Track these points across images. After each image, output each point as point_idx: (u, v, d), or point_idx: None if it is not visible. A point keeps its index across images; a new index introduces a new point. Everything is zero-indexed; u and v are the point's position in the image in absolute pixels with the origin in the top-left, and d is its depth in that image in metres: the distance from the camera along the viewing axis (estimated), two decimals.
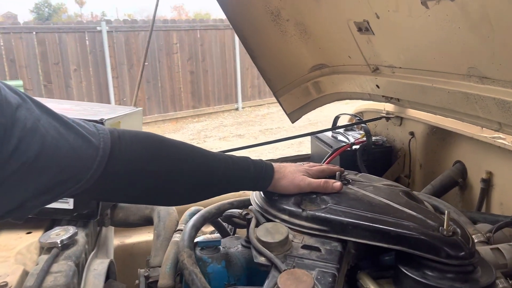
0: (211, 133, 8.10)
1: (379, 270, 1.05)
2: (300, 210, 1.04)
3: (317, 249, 0.97)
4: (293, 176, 1.08)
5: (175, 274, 1.12)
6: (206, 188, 1.02)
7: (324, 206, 1.05)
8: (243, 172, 1.03)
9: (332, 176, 1.17)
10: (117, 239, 1.72)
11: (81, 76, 8.14)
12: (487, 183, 1.45)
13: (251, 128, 8.39)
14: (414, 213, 0.99)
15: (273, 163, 1.10)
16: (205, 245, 1.10)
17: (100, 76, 8.27)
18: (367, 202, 1.05)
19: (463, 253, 0.87)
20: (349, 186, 1.18)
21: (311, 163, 1.22)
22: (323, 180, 1.09)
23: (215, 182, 1.02)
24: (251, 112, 9.66)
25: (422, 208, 1.02)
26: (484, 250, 1.09)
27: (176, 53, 8.98)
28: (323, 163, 1.77)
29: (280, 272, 0.90)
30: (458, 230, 0.93)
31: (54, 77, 7.90)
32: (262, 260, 0.94)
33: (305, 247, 0.97)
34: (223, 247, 1.12)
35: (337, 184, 1.09)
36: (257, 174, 1.05)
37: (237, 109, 9.74)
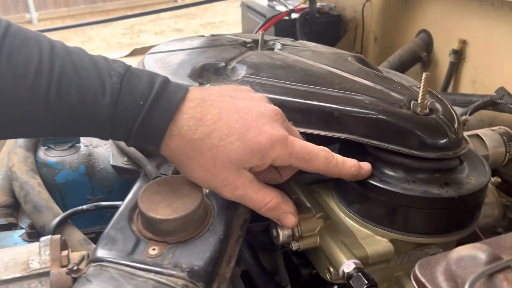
0: (146, 27, 7.29)
1: None
2: (197, 84, 0.65)
3: None
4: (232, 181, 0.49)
5: None
6: None
7: (235, 79, 0.67)
8: (81, 104, 0.46)
9: None
10: None
11: None
12: (459, 56, 1.12)
13: (191, 21, 7.63)
14: (371, 84, 0.63)
15: (192, 96, 0.50)
16: (53, 142, 0.71)
17: None
18: (300, 70, 0.68)
19: (445, 139, 0.54)
20: (277, 51, 0.80)
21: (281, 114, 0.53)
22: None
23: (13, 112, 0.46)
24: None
25: (383, 77, 0.67)
26: None
27: None
28: (255, 33, 1.36)
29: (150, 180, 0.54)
30: (438, 105, 0.59)
31: None
32: (123, 162, 0.58)
33: None
34: (85, 145, 0.74)
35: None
36: (119, 121, 0.48)
37: (175, 0, 8.79)
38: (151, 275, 0.43)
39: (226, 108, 0.50)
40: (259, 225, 0.75)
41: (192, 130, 0.48)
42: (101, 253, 0.46)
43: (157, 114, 0.48)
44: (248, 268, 0.67)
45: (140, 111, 0.47)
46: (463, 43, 1.11)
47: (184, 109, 0.48)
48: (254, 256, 0.67)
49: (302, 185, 0.64)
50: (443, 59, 1.19)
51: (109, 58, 0.50)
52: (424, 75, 0.55)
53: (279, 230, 0.56)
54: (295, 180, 0.64)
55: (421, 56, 1.23)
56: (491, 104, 0.93)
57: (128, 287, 0.41)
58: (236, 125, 0.48)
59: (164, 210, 0.48)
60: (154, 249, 0.47)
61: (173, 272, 0.44)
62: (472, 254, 0.36)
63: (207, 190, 0.54)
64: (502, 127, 0.84)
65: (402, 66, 1.22)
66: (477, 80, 1.11)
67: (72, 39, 5.72)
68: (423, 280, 0.38)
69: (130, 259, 0.45)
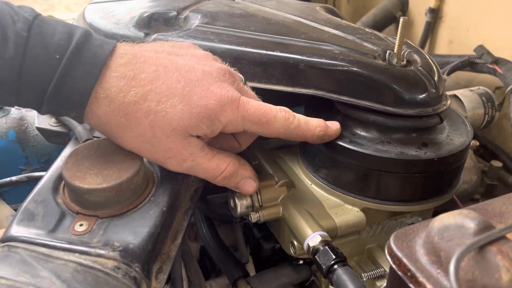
0: None
1: None
2: (143, 34, 0.56)
3: None
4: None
5: None
6: None
7: (187, 28, 0.58)
8: None
9: None
10: None
11: None
12: (435, 15, 1.06)
13: None
14: (342, 34, 0.55)
15: (122, 51, 0.41)
16: None
17: None
18: (262, 20, 0.59)
19: (424, 94, 0.48)
20: (238, 0, 0.71)
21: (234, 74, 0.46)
22: None
23: None
24: None
25: (355, 27, 0.59)
26: None
27: None
28: None
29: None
30: (417, 57, 0.52)
31: None
32: (50, 123, 0.49)
33: None
34: (16, 108, 0.64)
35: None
36: (28, 80, 0.38)
37: None
38: (73, 257, 0.35)
39: (164, 66, 0.41)
40: (219, 197, 0.68)
41: (123, 92, 0.39)
42: (15, 230, 0.38)
43: (79, 71, 0.38)
44: (205, 244, 0.60)
45: (56, 67, 0.37)
46: (440, 1, 1.05)
47: (113, 66, 0.39)
48: (212, 230, 0.60)
49: (264, 149, 0.57)
50: (419, 19, 1.12)
51: (13, 4, 0.40)
52: (401, 19, 0.47)
53: (237, 200, 0.49)
54: (257, 145, 0.57)
55: (396, 16, 1.16)
56: (469, 64, 0.87)
57: (42, 272, 0.34)
58: (178, 85, 0.40)
59: (92, 179, 0.39)
60: (81, 225, 0.39)
61: (102, 252, 0.36)
62: (458, 223, 0.30)
63: None
64: (481, 87, 0.79)
65: (376, 27, 1.15)
66: (454, 40, 1.05)
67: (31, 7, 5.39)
68: (399, 254, 0.31)
69: (50, 237, 0.37)
